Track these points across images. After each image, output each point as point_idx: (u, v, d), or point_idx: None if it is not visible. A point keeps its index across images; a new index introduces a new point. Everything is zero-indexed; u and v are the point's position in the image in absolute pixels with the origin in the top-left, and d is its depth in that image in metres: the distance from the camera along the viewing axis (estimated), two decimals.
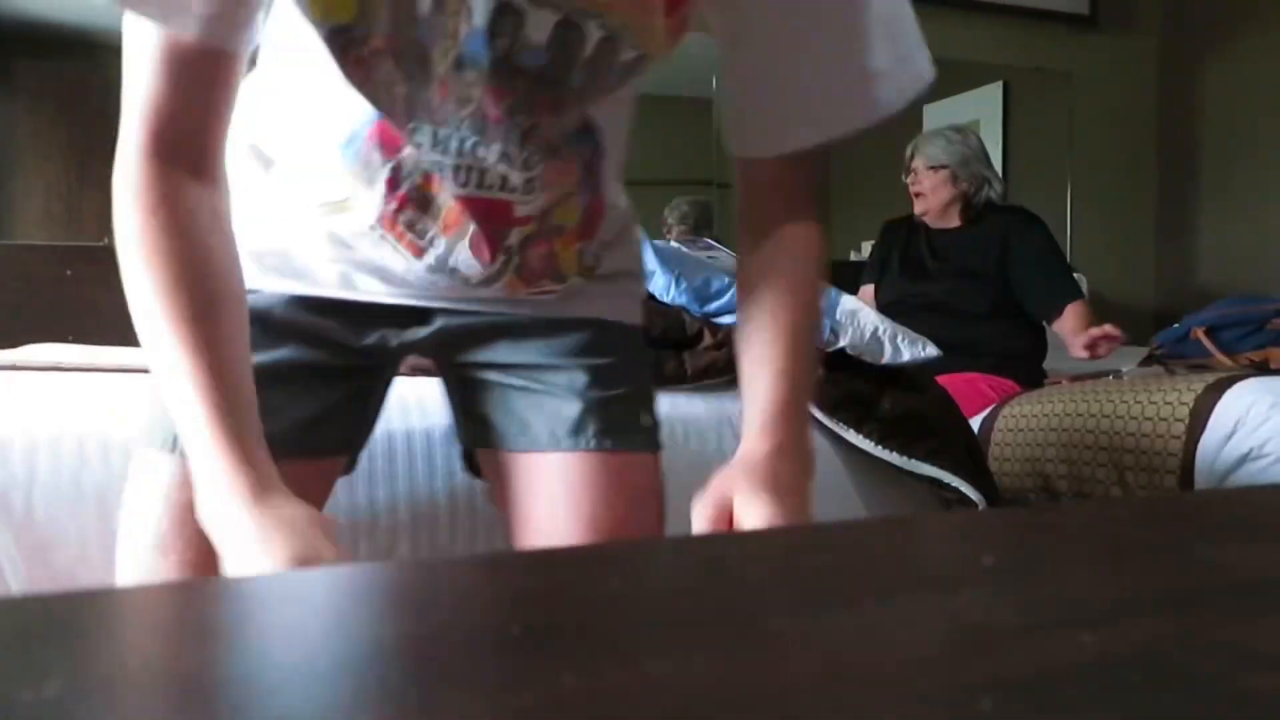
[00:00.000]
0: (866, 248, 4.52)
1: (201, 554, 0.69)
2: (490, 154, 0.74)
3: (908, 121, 4.36)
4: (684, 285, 1.41)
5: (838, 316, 1.43)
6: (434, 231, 0.79)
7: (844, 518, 1.50)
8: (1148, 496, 1.74)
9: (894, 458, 1.40)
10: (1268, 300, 2.27)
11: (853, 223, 4.68)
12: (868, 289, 2.68)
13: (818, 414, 1.41)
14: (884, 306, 2.57)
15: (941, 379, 2.42)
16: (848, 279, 2.72)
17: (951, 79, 3.92)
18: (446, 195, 0.77)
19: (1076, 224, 3.70)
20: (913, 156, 2.59)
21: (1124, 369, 2.39)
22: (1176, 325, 2.30)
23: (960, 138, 2.54)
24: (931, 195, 2.52)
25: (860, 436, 1.40)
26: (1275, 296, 2.35)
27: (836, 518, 1.52)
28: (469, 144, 0.74)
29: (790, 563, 0.36)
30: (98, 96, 2.72)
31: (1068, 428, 1.97)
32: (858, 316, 1.46)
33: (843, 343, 1.44)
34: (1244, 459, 1.75)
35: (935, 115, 4.29)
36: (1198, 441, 1.79)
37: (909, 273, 2.56)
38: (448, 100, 0.71)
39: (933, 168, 2.51)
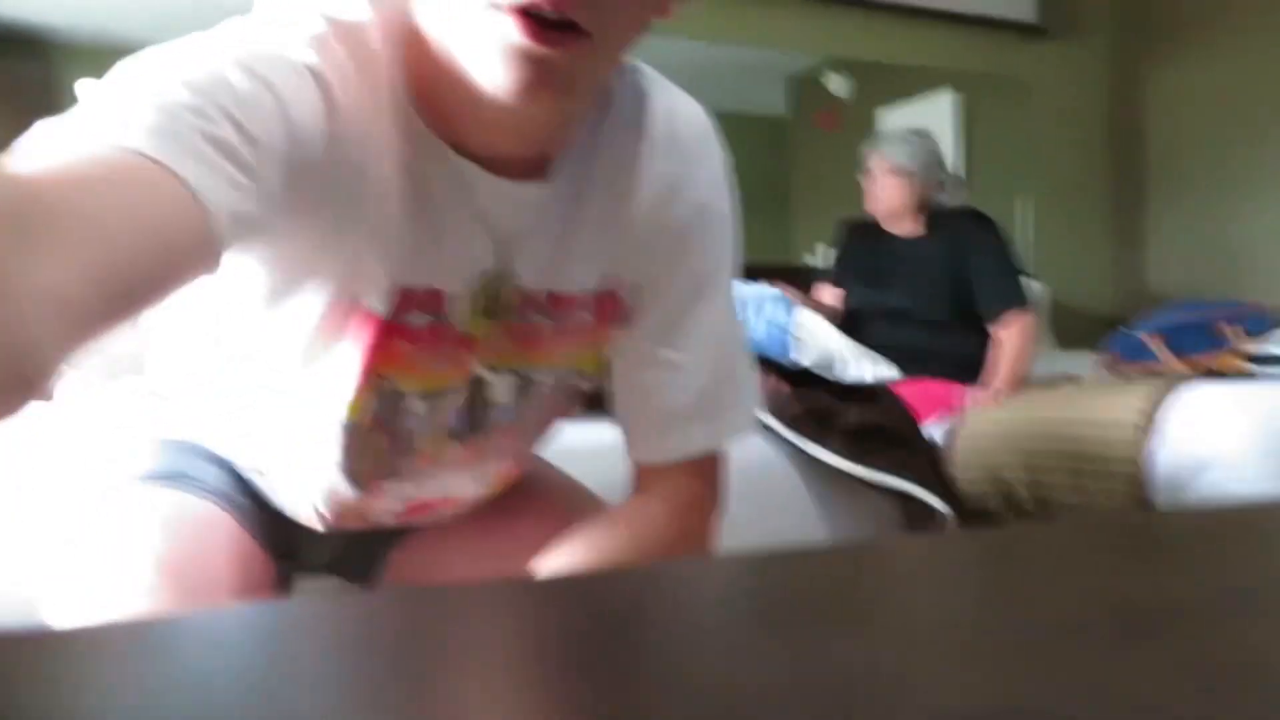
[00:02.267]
0: (820, 250, 4.54)
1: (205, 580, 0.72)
2: (451, 485, 0.85)
3: (861, 125, 4.41)
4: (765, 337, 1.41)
5: (795, 334, 1.43)
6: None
7: (806, 532, 1.49)
8: (1105, 511, 1.76)
9: (859, 470, 1.40)
10: (1216, 305, 2.32)
11: (808, 226, 4.71)
12: (832, 290, 2.66)
13: (780, 428, 1.41)
14: (847, 313, 2.58)
15: (901, 386, 2.43)
16: (803, 283, 2.72)
17: (904, 84, 3.96)
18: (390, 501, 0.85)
19: (1033, 230, 3.75)
20: (872, 158, 2.58)
21: (1081, 374, 2.42)
22: (1128, 330, 2.34)
23: (919, 141, 2.55)
24: (888, 197, 2.52)
25: (824, 450, 1.40)
26: (1223, 301, 2.40)
27: (799, 531, 1.52)
28: (439, 484, 0.84)
29: (753, 588, 0.35)
30: (53, 96, 2.65)
31: (1025, 434, 1.99)
32: (818, 336, 1.47)
33: (805, 362, 1.45)
34: (1198, 467, 1.78)
35: (888, 120, 4.33)
36: (1151, 447, 1.82)
37: (869, 280, 2.55)
38: (428, 465, 0.81)
39: (893, 171, 2.51)
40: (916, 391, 2.38)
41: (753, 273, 2.30)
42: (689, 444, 0.82)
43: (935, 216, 2.52)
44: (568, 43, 0.57)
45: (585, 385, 0.87)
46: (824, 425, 1.45)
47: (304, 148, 0.60)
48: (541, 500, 0.97)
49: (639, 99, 0.76)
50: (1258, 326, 2.16)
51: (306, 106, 0.61)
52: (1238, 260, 3.38)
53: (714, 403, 0.82)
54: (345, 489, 0.80)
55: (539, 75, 0.57)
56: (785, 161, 4.84)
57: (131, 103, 0.51)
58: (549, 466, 1.02)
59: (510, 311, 0.75)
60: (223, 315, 0.75)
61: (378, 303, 0.69)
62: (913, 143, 2.53)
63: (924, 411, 2.36)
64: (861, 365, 1.53)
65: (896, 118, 4.27)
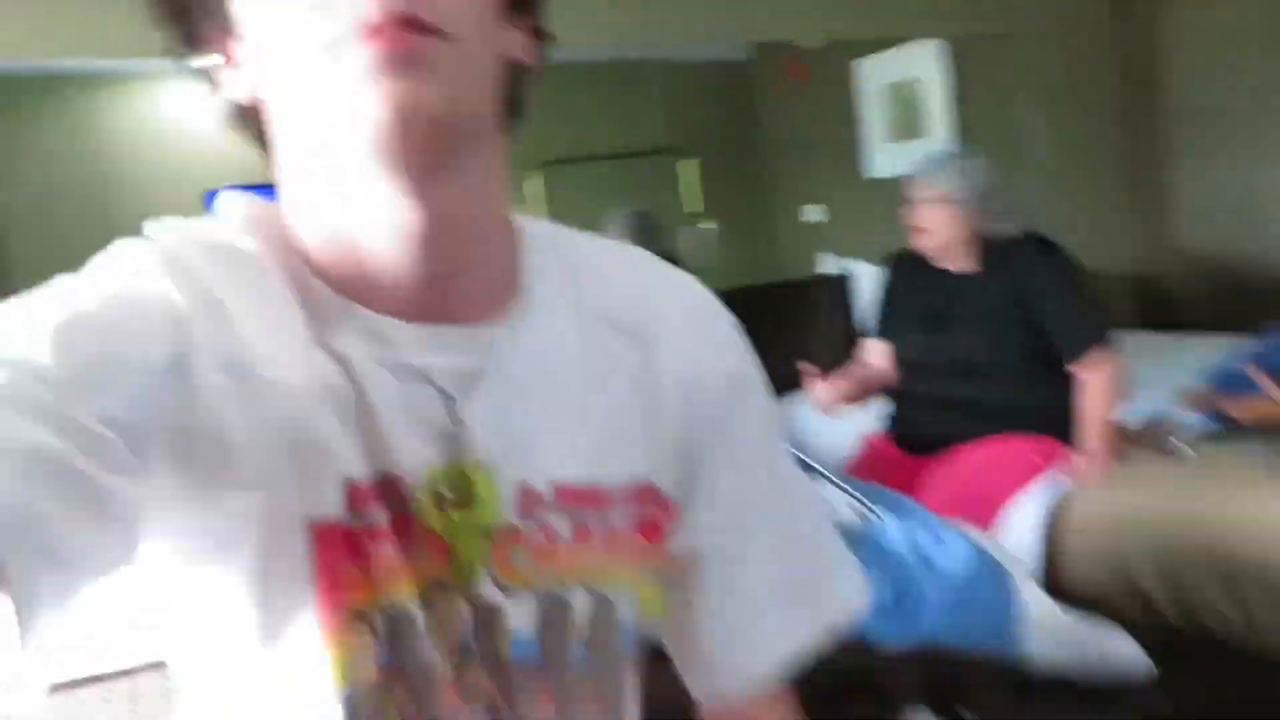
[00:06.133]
0: (808, 210, 4.26)
1: None
2: None
3: (838, 80, 4.08)
4: None
5: None
6: None
7: None
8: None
9: None
10: None
11: (795, 184, 4.44)
12: (879, 345, 2.40)
13: None
14: (905, 369, 2.32)
15: (982, 447, 2.17)
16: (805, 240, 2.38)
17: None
18: None
19: (1039, 190, 3.47)
20: (916, 186, 2.28)
21: (1174, 418, 2.16)
22: (1227, 362, 2.12)
23: (969, 164, 2.25)
24: (938, 232, 2.24)
25: None
26: None
27: None
28: None
29: None
30: None
31: (1158, 531, 1.77)
32: None
33: None
34: None
35: (870, 70, 3.97)
36: None
37: (926, 327, 2.28)
38: (457, 704, 0.61)
39: (940, 201, 2.22)
40: (998, 451, 2.13)
41: (744, 295, 1.90)
42: (782, 644, 0.71)
43: (992, 249, 2.24)
44: (419, 32, 0.52)
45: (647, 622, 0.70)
46: None
47: (191, 376, 0.54)
48: None
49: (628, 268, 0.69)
50: None
51: (192, 337, 0.54)
52: (1268, 212, 3.14)
53: (803, 589, 0.72)
54: None
55: (398, 68, 0.51)
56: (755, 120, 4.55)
57: None
58: None
59: (488, 504, 0.59)
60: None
61: (326, 506, 0.56)
62: (961, 168, 2.24)
63: (1008, 475, 2.11)
64: None
65: (880, 68, 3.93)
